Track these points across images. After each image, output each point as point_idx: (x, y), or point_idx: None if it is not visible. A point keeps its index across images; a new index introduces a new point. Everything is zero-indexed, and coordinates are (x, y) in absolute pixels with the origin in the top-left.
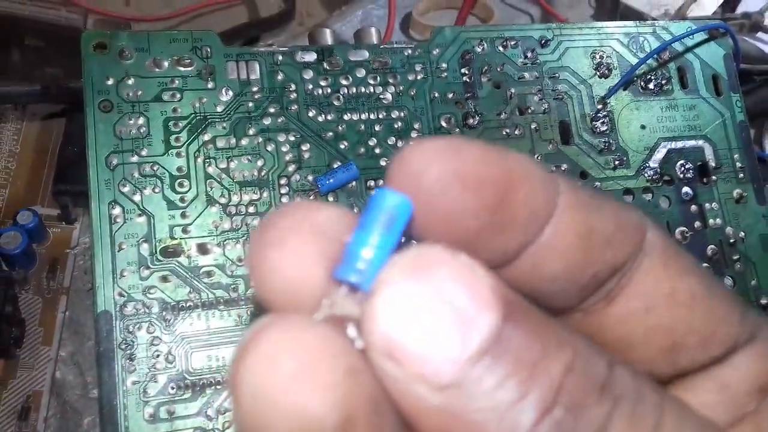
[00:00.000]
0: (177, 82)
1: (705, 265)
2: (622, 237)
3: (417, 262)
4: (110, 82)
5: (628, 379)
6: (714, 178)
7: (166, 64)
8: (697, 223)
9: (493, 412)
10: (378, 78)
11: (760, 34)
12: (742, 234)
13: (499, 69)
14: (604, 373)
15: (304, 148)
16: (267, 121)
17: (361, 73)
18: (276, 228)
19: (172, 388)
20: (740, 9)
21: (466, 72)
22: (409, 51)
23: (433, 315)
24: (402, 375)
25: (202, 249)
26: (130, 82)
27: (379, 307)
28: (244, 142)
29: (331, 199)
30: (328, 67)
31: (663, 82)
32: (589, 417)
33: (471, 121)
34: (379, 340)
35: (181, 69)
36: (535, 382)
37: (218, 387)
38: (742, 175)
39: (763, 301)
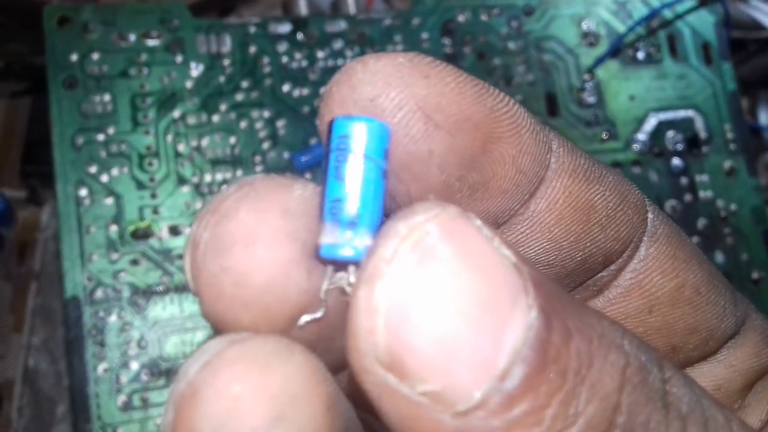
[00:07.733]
0: (144, 56)
1: (694, 239)
2: (623, 217)
3: (424, 231)
4: (74, 57)
5: (682, 386)
6: (704, 149)
7: (132, 37)
8: (688, 197)
9: None
10: (356, 50)
11: (754, 2)
12: (733, 207)
13: (482, 39)
14: (659, 377)
15: (279, 124)
16: (240, 97)
17: (338, 45)
18: (238, 219)
19: (146, 375)
20: None
21: (448, 42)
22: (389, 21)
23: (455, 308)
24: (409, 393)
25: (174, 230)
26: (95, 57)
27: (377, 299)
28: (215, 118)
29: (308, 176)
30: (303, 39)
31: (652, 51)
32: None
33: None
34: (379, 343)
35: (148, 43)
36: (584, 400)
37: None
38: (733, 146)
39: (755, 276)
